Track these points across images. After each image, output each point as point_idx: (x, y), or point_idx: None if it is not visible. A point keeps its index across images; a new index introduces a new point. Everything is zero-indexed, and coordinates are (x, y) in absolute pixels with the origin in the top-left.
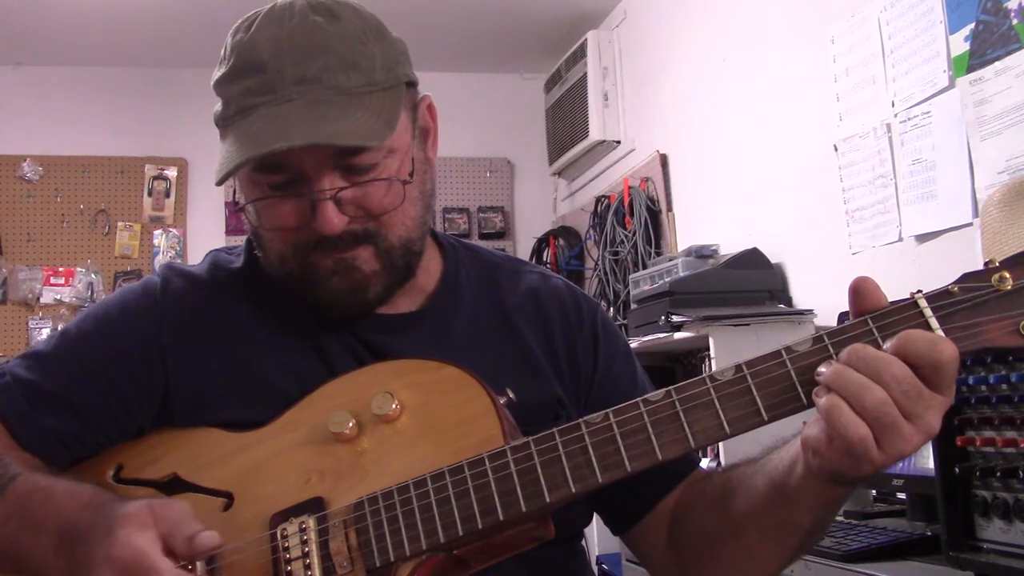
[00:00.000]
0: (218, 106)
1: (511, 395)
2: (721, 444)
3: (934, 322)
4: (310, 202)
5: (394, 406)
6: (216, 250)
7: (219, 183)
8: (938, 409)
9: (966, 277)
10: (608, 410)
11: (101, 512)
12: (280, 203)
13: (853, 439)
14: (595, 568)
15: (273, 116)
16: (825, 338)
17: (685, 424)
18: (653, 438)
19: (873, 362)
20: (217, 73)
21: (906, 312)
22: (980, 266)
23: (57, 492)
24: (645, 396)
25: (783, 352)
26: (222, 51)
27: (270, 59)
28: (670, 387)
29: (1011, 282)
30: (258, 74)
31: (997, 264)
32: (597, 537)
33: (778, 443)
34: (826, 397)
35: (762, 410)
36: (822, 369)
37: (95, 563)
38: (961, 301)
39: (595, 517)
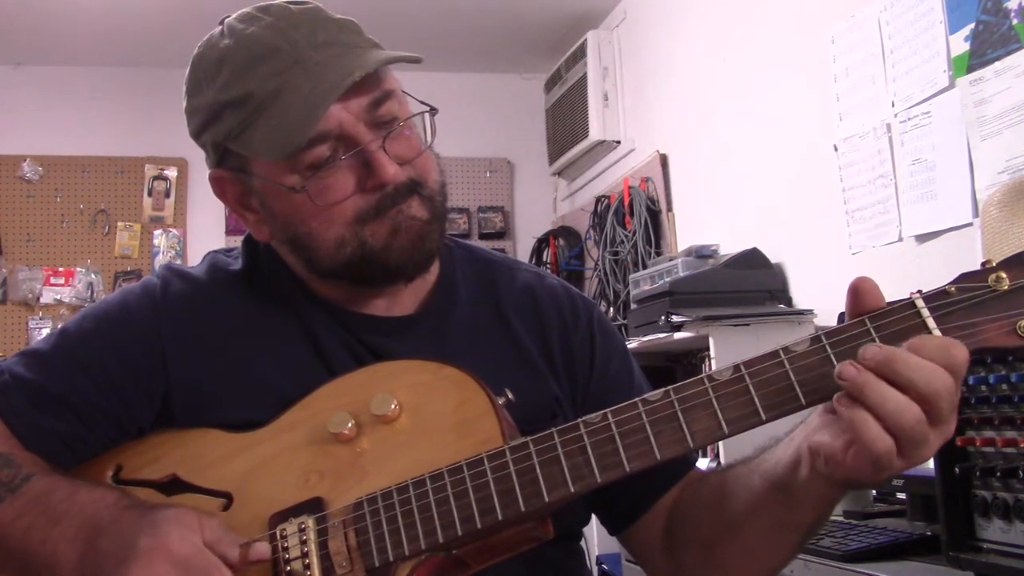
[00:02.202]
0: (228, 115)
1: (510, 395)
2: (721, 443)
3: (931, 322)
4: (362, 163)
5: (393, 406)
6: (214, 252)
7: (295, 147)
8: (955, 413)
9: (963, 277)
10: (607, 410)
11: (137, 511)
12: (334, 174)
13: (880, 452)
14: (595, 568)
15: (317, 72)
16: (823, 338)
17: (683, 424)
18: (652, 438)
19: (908, 374)
20: (211, 89)
21: (903, 312)
22: (980, 266)
23: (82, 489)
24: (644, 396)
25: (781, 352)
26: (198, 77)
27: (280, 41)
28: (668, 387)
29: (1008, 282)
30: (274, 56)
31: (994, 264)
32: (597, 537)
33: (771, 442)
34: (851, 410)
35: (760, 410)
36: (846, 375)
37: (139, 552)
38: (958, 301)
39: (595, 516)
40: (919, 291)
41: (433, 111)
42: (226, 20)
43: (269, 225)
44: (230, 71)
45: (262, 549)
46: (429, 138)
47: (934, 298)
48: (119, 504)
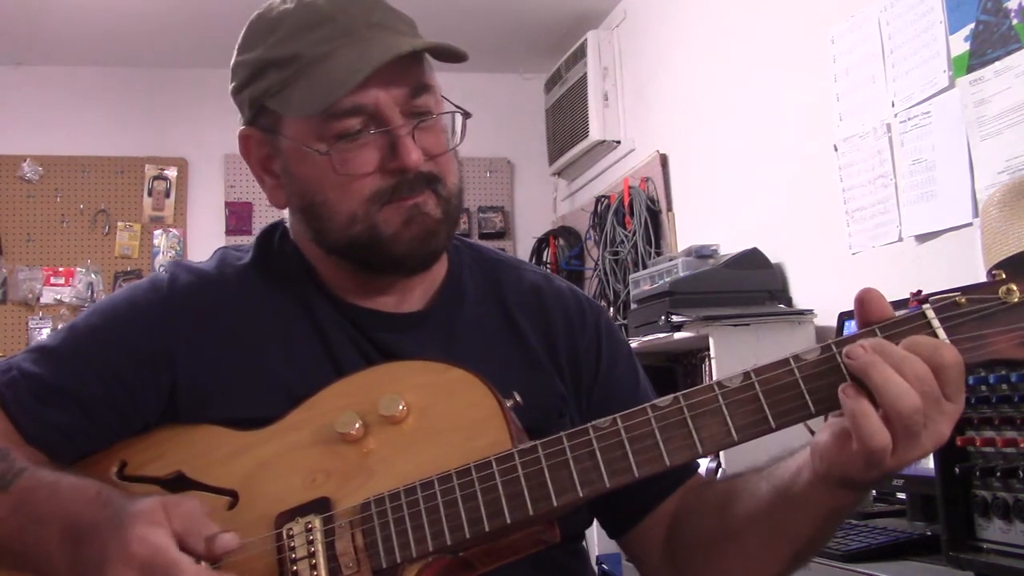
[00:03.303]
0: (271, 73)
1: (518, 398)
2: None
3: (942, 333)
4: (388, 143)
5: (401, 407)
6: (224, 247)
7: (327, 106)
8: (950, 417)
9: (973, 288)
10: (616, 415)
11: (109, 509)
12: (359, 148)
13: (876, 447)
14: (595, 568)
15: (365, 46)
16: (833, 347)
17: (693, 430)
18: (661, 444)
19: (900, 360)
20: (261, 47)
21: (914, 323)
22: (980, 266)
23: (62, 487)
24: (653, 402)
25: (791, 360)
26: (251, 34)
27: (338, 12)
28: (678, 393)
29: (1018, 294)
30: (329, 24)
31: (1004, 276)
32: (597, 537)
33: (785, 453)
34: (854, 400)
35: (770, 418)
36: (854, 353)
37: (108, 559)
38: (968, 312)
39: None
40: (918, 291)
41: (466, 115)
42: None
43: (287, 191)
44: (283, 32)
45: (228, 540)
46: (458, 139)
47: (944, 309)
48: (97, 502)
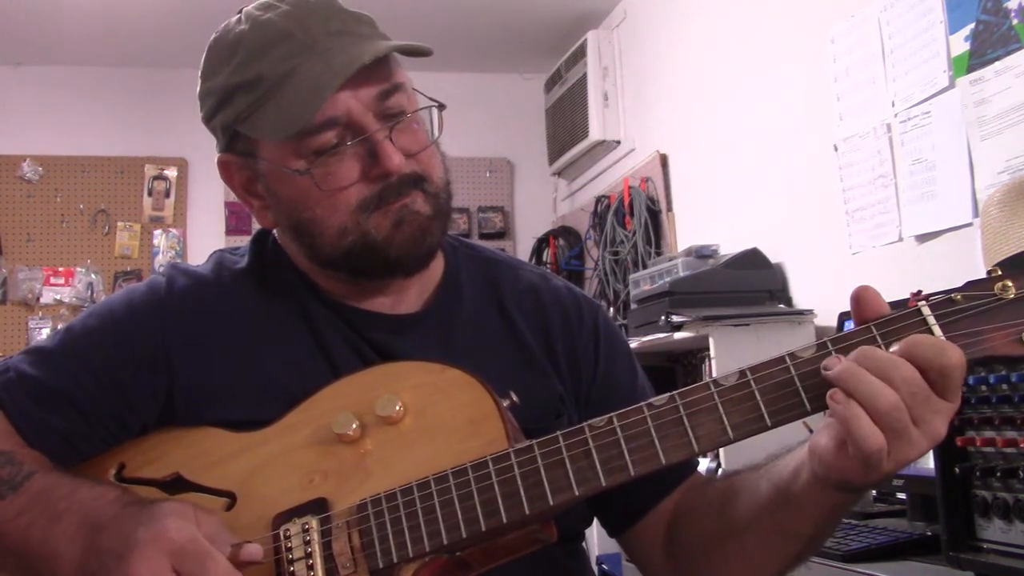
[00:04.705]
0: (238, 98)
1: (514, 398)
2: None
3: (937, 330)
4: (368, 151)
5: (398, 408)
6: (221, 250)
7: (300, 127)
8: (945, 415)
9: (969, 285)
10: (612, 414)
11: (135, 506)
12: (339, 160)
13: (871, 449)
14: (595, 568)
15: (328, 57)
16: (829, 344)
17: (689, 428)
18: (656, 442)
19: (883, 363)
20: (224, 72)
21: (910, 319)
22: (980, 266)
23: (82, 487)
24: (649, 400)
25: (787, 358)
26: (212, 60)
27: (294, 27)
28: (673, 392)
29: (1014, 291)
30: (287, 40)
31: (1000, 272)
32: (597, 537)
33: (783, 450)
34: (844, 404)
35: (765, 415)
36: (830, 364)
37: (136, 544)
38: (964, 309)
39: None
40: (919, 291)
41: (441, 107)
42: (244, 9)
43: (273, 211)
44: (244, 54)
45: (253, 550)
46: (436, 132)
47: (940, 306)
48: (119, 501)
